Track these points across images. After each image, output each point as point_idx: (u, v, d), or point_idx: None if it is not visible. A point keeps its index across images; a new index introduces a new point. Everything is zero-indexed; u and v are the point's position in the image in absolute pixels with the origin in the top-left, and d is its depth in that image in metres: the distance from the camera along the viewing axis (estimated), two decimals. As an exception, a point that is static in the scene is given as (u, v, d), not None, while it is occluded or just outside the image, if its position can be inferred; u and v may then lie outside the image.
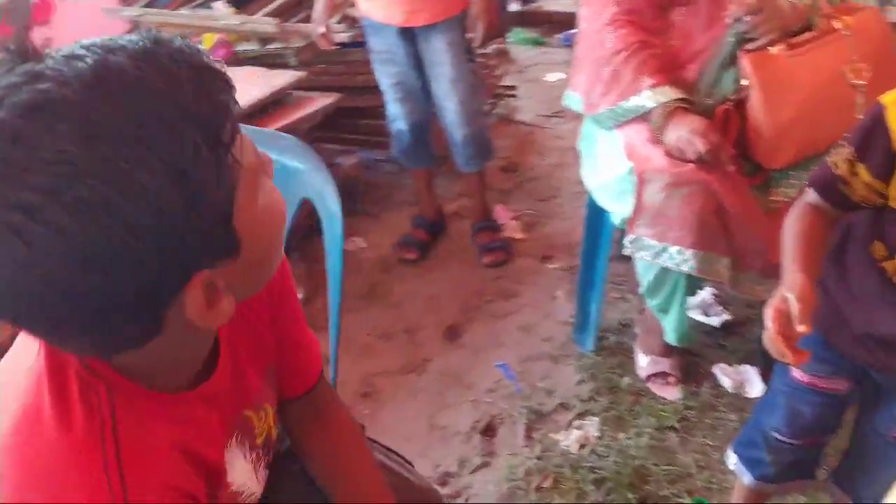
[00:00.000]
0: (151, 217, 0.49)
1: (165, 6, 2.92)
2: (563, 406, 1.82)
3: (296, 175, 1.21)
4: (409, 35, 2.09)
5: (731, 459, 1.36)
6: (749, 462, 1.30)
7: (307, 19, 2.49)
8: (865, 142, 0.93)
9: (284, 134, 1.24)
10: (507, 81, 3.61)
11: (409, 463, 1.08)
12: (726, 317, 2.03)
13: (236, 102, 0.57)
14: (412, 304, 2.23)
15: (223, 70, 0.57)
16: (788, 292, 0.89)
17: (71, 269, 0.48)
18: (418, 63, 2.15)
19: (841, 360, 1.11)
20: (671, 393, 1.81)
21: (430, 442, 1.74)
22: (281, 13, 2.72)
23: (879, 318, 1.01)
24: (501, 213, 2.68)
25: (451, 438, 1.75)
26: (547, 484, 1.62)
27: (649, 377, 1.84)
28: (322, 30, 2.23)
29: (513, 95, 3.60)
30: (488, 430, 1.77)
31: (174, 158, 0.50)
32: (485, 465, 1.68)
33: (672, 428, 1.72)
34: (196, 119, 0.52)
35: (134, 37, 0.54)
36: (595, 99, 1.67)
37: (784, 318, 0.88)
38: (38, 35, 3.13)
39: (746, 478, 1.31)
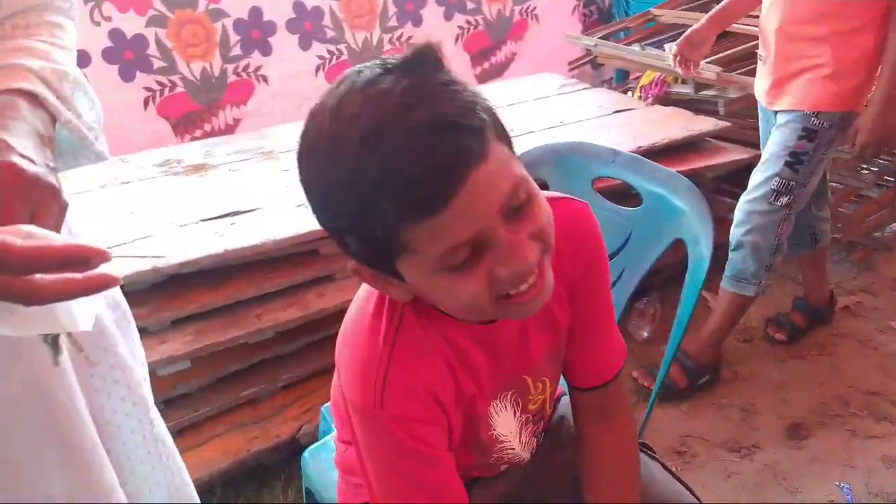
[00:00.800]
0: (328, 217, 0.66)
1: (621, 40, 3.14)
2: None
3: (678, 215, 1.24)
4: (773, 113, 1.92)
5: None
6: None
7: (750, 73, 2.44)
8: None
9: (680, 175, 1.27)
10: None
11: (691, 491, 1.04)
12: None
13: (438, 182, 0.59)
14: (759, 383, 2.06)
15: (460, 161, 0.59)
16: None
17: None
18: None
19: None
20: None
21: (728, 529, 1.62)
22: (725, 63, 2.71)
23: None
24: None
25: (754, 536, 1.60)
26: None
27: None
28: (675, 48, 2.06)
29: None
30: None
31: (350, 202, 0.61)
32: (782, 581, 1.51)
33: None
34: (380, 198, 0.59)
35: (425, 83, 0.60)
36: None
37: None
38: (508, 48, 3.66)
39: None
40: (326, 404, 1.32)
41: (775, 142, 1.85)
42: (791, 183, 1.83)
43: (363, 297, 0.81)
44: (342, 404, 0.88)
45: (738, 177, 2.66)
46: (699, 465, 1.79)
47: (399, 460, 0.77)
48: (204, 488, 1.66)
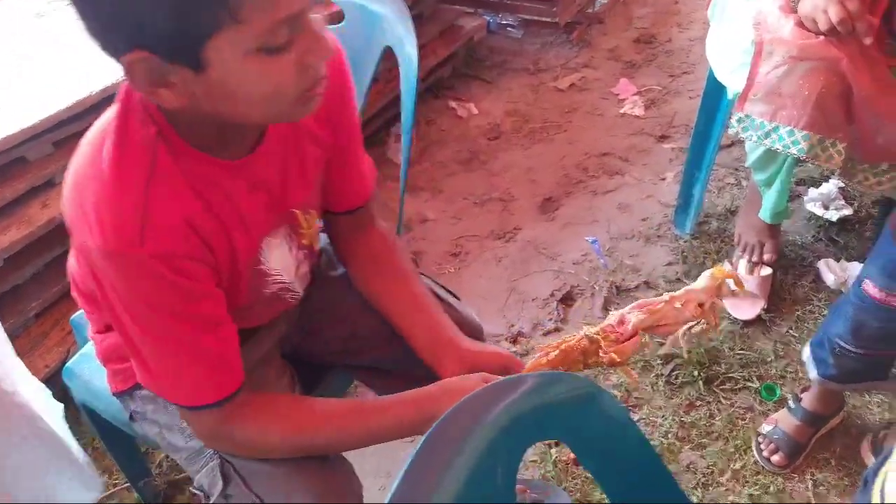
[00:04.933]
0: None
1: None
2: (647, 284, 1.80)
3: (379, 21, 1.23)
4: None
5: (805, 352, 1.33)
6: (816, 360, 1.29)
7: None
8: None
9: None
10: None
11: (457, 297, 1.12)
12: (846, 212, 1.87)
13: None
14: (512, 174, 2.23)
15: None
16: None
17: None
18: None
19: None
20: (744, 313, 1.68)
21: (507, 303, 1.80)
22: None
23: None
24: (625, 87, 2.56)
25: (529, 303, 1.80)
26: (614, 355, 1.64)
27: None
28: None
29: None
30: (566, 299, 1.80)
31: None
32: (556, 329, 1.73)
33: (757, 317, 1.66)
34: None
35: None
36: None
37: None
38: None
39: (812, 373, 1.31)
40: (75, 314, 1.22)
41: None
42: None
43: (92, 148, 0.74)
44: (85, 279, 0.85)
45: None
46: (474, 258, 1.94)
47: (162, 298, 0.74)
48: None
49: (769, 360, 1.57)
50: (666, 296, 0.85)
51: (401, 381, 0.94)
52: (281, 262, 0.89)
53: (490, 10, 2.90)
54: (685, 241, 1.89)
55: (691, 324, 0.86)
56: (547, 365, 0.85)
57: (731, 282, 0.84)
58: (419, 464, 0.58)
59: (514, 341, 1.70)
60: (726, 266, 0.87)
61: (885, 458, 0.84)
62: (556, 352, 0.85)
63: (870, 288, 1.12)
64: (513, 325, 1.74)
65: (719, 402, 1.52)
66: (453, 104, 2.56)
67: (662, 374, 1.57)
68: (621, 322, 0.85)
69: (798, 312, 1.67)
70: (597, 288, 1.81)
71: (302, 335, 1.07)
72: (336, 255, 1.05)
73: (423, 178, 2.23)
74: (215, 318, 0.79)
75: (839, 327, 1.21)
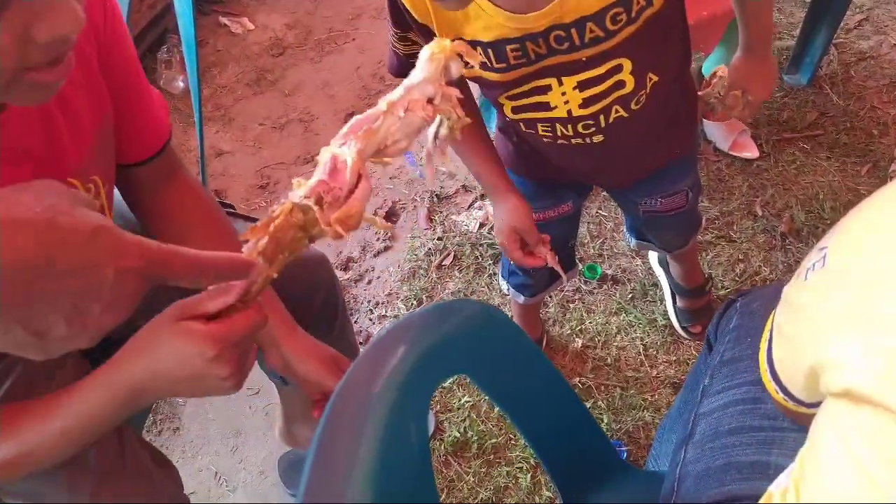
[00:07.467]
0: None
1: None
2: (465, 189, 1.81)
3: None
4: None
5: (504, 286, 1.37)
6: (517, 287, 1.33)
7: None
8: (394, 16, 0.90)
9: None
10: None
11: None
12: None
13: None
14: (307, 91, 2.09)
15: None
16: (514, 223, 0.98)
17: None
18: None
19: (556, 187, 1.10)
20: None
21: (330, 230, 1.72)
22: None
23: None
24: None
25: (352, 226, 1.73)
26: (447, 262, 1.65)
27: None
28: None
29: None
30: (390, 216, 1.76)
31: None
32: (387, 248, 1.69)
33: (570, 204, 1.75)
34: None
35: None
36: None
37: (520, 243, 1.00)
38: None
39: (521, 299, 1.35)
40: None
41: None
42: None
43: None
44: None
45: None
46: (284, 188, 1.82)
47: None
48: None
49: (586, 241, 1.67)
50: (382, 104, 0.64)
51: None
52: None
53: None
54: (493, 140, 1.92)
55: (439, 131, 0.67)
56: (263, 257, 0.61)
57: (456, 61, 0.65)
58: (326, 446, 0.52)
59: (346, 268, 1.65)
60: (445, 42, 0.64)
61: (728, 309, 0.90)
62: (267, 239, 0.61)
63: None
64: (341, 252, 1.68)
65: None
66: (225, 20, 2.32)
67: (495, 274, 1.61)
68: (335, 170, 0.62)
69: (604, 193, 1.78)
70: (418, 199, 1.79)
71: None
72: (140, 222, 0.88)
73: (208, 107, 2.03)
74: None
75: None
